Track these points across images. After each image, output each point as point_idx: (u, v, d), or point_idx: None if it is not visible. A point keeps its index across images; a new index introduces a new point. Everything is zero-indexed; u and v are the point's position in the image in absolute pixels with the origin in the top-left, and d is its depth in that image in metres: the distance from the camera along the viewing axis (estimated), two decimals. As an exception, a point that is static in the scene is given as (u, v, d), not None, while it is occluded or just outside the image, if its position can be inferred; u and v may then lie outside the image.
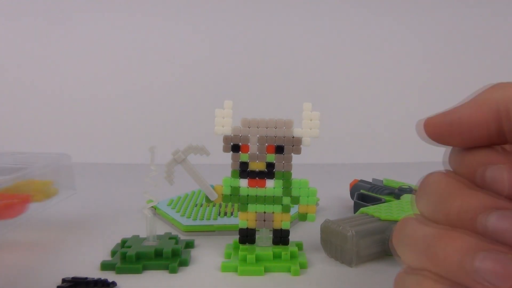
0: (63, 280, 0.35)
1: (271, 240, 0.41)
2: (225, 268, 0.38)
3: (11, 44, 0.95)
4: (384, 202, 0.49)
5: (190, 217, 0.49)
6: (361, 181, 0.59)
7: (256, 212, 0.40)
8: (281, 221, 0.40)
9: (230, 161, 0.40)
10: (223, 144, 0.40)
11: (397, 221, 0.34)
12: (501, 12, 1.01)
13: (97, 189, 0.71)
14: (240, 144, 0.39)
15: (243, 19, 0.97)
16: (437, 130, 0.22)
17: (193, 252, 0.43)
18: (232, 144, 0.39)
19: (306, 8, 0.98)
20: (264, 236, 0.41)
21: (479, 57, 1.02)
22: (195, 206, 0.54)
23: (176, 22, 0.96)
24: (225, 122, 0.40)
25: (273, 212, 0.40)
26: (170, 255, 0.39)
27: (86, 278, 0.35)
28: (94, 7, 0.95)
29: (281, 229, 0.40)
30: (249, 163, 0.40)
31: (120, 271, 0.37)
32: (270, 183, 0.40)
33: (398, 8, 1.00)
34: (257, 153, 0.39)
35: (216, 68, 0.96)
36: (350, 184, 0.60)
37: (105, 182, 0.78)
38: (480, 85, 0.22)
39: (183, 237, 0.46)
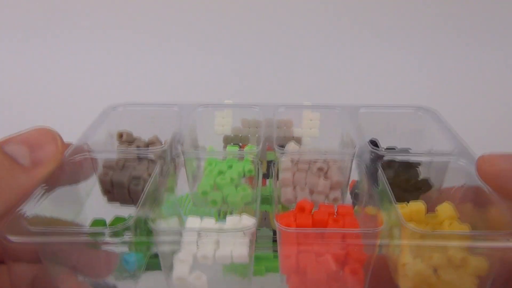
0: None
1: (271, 240, 0.39)
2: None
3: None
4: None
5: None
6: (358, 182, 0.55)
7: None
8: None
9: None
10: (223, 144, 0.39)
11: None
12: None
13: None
14: (240, 144, 0.38)
15: (244, 17, 0.89)
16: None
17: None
18: (232, 144, 0.38)
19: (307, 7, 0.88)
20: (264, 236, 0.40)
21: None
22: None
23: (176, 20, 0.90)
24: (225, 122, 0.38)
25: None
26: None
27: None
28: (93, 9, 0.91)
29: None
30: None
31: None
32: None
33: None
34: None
35: (215, 67, 0.89)
36: (350, 185, 0.56)
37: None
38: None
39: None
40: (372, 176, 0.34)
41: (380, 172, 0.32)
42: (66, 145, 0.31)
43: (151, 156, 0.36)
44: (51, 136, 0.30)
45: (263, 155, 0.37)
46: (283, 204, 0.36)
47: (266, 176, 0.38)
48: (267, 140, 0.38)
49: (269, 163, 0.38)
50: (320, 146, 0.41)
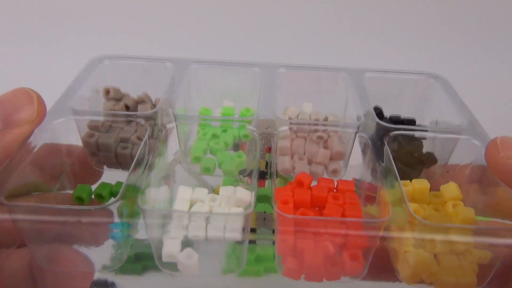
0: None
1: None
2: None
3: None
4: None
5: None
6: (357, 180, 0.53)
7: (256, 212, 0.36)
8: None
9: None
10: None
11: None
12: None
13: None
14: (239, 143, 0.35)
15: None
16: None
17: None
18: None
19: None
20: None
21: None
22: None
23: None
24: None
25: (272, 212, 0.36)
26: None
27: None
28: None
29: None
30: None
31: (119, 271, 0.37)
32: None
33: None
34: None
35: (213, 22, 0.80)
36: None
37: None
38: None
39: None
40: (376, 150, 0.32)
41: (386, 148, 0.30)
42: (45, 107, 0.28)
43: (141, 121, 0.33)
44: (28, 97, 0.27)
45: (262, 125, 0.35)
46: (280, 174, 0.35)
47: (264, 175, 0.36)
48: (266, 139, 0.35)
49: (267, 164, 0.35)
50: (322, 111, 0.39)
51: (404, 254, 0.26)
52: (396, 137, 0.32)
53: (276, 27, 0.74)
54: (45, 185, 0.30)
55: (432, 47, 0.74)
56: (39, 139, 0.29)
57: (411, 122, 0.38)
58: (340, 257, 0.26)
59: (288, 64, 0.39)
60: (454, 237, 0.24)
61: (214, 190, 0.37)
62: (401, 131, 0.32)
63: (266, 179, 0.35)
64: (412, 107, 0.39)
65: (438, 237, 0.24)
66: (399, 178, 0.28)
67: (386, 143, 0.31)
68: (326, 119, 0.38)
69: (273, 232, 0.34)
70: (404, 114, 0.39)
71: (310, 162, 0.35)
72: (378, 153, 0.32)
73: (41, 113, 0.28)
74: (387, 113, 0.39)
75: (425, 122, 0.39)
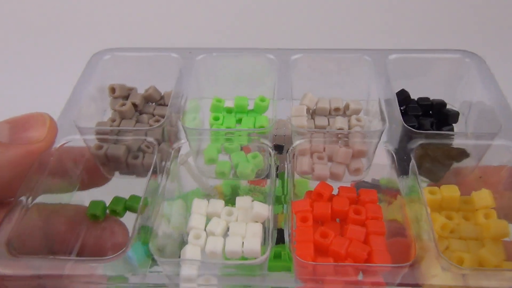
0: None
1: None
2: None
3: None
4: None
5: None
6: (362, 181, 0.50)
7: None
8: (282, 220, 0.34)
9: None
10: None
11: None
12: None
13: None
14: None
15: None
16: None
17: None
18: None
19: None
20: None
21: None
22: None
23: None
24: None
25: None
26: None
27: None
28: None
29: (281, 228, 0.35)
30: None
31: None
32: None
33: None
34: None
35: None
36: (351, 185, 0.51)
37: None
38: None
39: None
40: (401, 161, 0.29)
41: (412, 163, 0.28)
42: (57, 129, 0.29)
43: (151, 139, 0.32)
44: (42, 119, 0.29)
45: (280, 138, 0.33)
46: (300, 176, 0.33)
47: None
48: (275, 140, 0.33)
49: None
50: (344, 97, 0.36)
51: (432, 278, 0.25)
52: (422, 147, 0.30)
53: (287, 7, 0.66)
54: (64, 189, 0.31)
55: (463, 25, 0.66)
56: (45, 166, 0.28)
57: (441, 105, 0.35)
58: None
59: (304, 48, 0.35)
60: (485, 283, 0.22)
61: (217, 189, 0.37)
62: (428, 138, 0.29)
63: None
64: (442, 87, 0.36)
65: (471, 282, 0.22)
66: (427, 207, 0.25)
67: (413, 157, 0.28)
68: (347, 106, 0.35)
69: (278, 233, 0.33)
70: (434, 96, 0.36)
71: (330, 160, 0.33)
72: (402, 164, 0.30)
73: (52, 135, 0.29)
74: (414, 95, 0.36)
75: (457, 103, 0.36)
